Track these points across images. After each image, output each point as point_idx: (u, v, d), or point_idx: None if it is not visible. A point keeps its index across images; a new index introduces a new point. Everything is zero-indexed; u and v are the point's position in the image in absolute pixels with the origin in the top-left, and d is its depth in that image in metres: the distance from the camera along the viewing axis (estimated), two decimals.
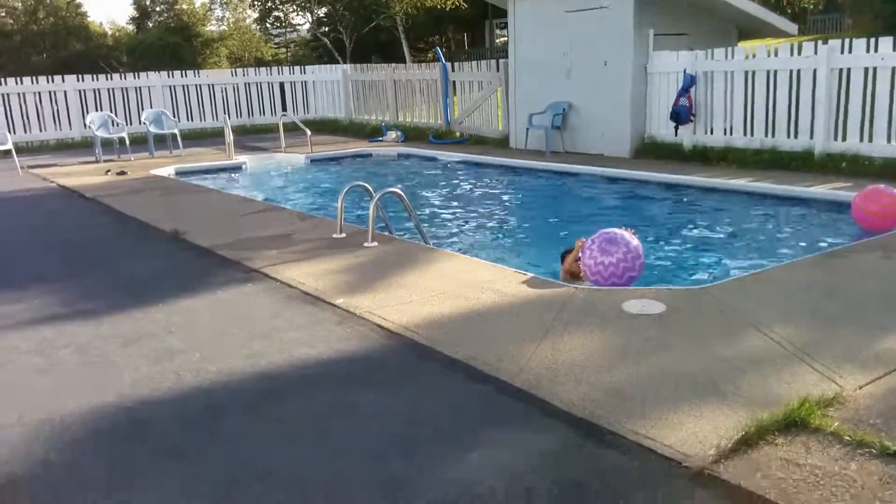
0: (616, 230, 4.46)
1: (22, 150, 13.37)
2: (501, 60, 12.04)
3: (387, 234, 5.92)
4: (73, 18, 41.85)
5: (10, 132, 12.87)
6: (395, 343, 3.57)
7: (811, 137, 8.29)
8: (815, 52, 8.15)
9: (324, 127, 15.62)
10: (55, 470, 2.56)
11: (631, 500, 2.22)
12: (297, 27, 42.69)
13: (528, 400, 2.88)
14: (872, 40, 7.78)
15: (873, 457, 2.37)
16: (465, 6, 29.91)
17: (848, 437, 2.48)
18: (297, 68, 17.26)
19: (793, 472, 2.31)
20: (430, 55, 35.00)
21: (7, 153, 11.36)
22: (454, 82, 13.28)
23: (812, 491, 2.20)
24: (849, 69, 7.96)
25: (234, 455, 2.59)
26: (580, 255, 4.48)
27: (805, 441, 2.48)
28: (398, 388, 3.08)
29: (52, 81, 14.39)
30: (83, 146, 13.82)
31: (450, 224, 7.33)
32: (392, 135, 13.55)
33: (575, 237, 4.98)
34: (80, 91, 14.54)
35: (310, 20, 38.64)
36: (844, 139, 8.10)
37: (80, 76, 14.71)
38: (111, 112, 14.06)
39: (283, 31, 43.11)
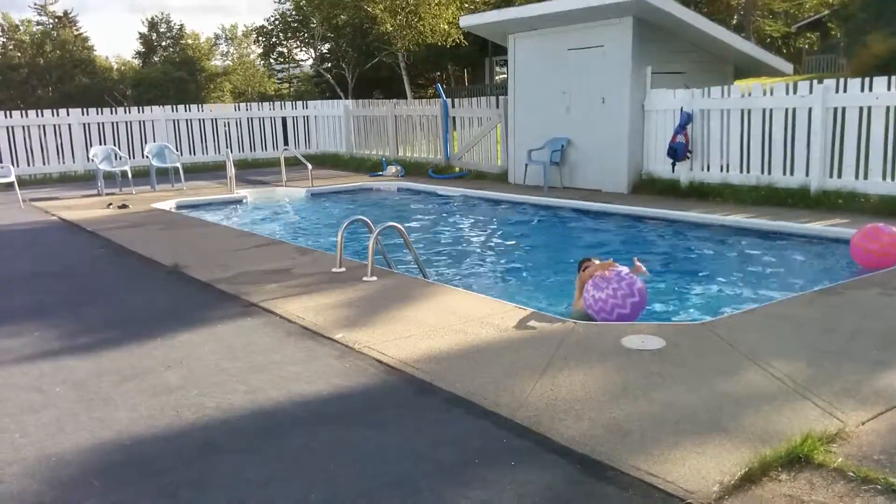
0: (621, 268, 4.52)
1: (24, 182, 13.48)
2: (501, 97, 12.23)
3: (386, 268, 5.93)
4: (80, 52, 42.54)
5: (13, 165, 12.99)
6: (394, 378, 3.55)
7: (807, 174, 8.38)
8: (811, 92, 8.28)
9: (325, 161, 15.77)
10: None
11: None
12: (300, 63, 43.41)
13: (529, 436, 2.87)
14: (867, 80, 7.92)
15: (878, 493, 2.35)
16: (466, 44, 30.46)
17: (852, 474, 2.46)
18: (299, 103, 17.48)
19: None
20: (430, 91, 35.53)
21: (9, 185, 11.44)
22: (454, 118, 13.45)
23: None
24: (844, 108, 8.09)
25: (231, 494, 2.56)
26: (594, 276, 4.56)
27: (809, 477, 2.46)
28: (398, 425, 3.06)
29: (57, 115, 14.55)
30: (86, 179, 13.93)
31: (449, 258, 7.35)
32: (392, 169, 13.67)
33: (572, 271, 5.01)
34: (84, 124, 14.70)
35: (312, 56, 39.33)
36: (840, 176, 8.18)
37: (84, 109, 14.90)
38: (114, 145, 14.20)
39: (287, 66, 43.81)
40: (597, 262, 4.85)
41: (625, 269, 4.55)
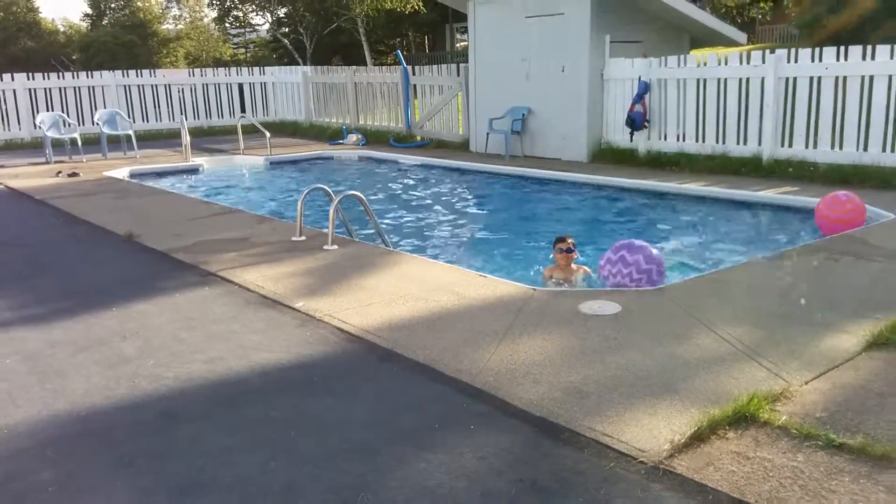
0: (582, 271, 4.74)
1: None
2: (462, 65, 12.13)
3: (347, 236, 5.90)
4: (25, 15, 40.45)
5: None
6: (355, 346, 3.56)
7: (759, 144, 8.57)
8: (764, 62, 8.43)
9: (283, 129, 15.46)
10: None
11: (588, 496, 2.27)
12: (257, 27, 42.15)
13: (488, 400, 2.92)
14: (817, 50, 8.09)
15: (819, 448, 2.47)
16: (426, 10, 29.98)
17: (795, 431, 2.57)
18: (256, 69, 17.04)
19: (743, 464, 2.39)
20: (390, 58, 34.97)
21: None
22: (415, 86, 13.30)
23: (762, 483, 2.29)
24: (795, 78, 8.26)
25: (190, 464, 2.55)
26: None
27: (755, 435, 2.57)
28: (359, 392, 3.08)
29: (1, 80, 13.90)
30: (33, 147, 13.38)
31: (410, 227, 7.34)
32: (353, 138, 13.49)
33: (533, 239, 5.06)
34: (30, 90, 14.08)
35: (269, 20, 38.21)
36: (791, 145, 8.39)
37: (30, 74, 14.26)
38: (63, 112, 13.65)
39: (242, 31, 42.49)
40: (570, 240, 4.92)
41: (581, 271, 4.83)
